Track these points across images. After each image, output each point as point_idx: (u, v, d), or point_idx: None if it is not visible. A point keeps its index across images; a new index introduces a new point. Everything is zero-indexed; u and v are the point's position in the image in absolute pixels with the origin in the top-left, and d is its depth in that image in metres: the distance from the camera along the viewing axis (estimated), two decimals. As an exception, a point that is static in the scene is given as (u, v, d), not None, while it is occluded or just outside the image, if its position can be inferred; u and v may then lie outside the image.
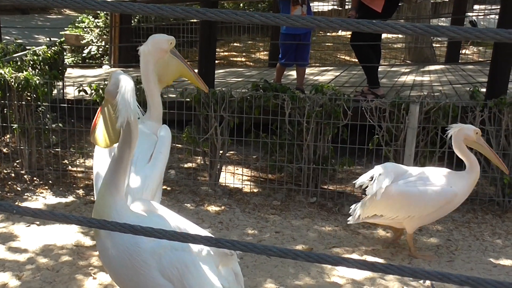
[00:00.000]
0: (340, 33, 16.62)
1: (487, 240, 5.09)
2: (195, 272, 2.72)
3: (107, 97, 2.98)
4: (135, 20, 11.39)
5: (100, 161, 4.04)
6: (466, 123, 5.59)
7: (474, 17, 15.93)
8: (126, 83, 2.85)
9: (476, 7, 19.46)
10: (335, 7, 19.91)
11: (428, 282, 4.30)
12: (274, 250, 1.61)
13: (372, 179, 4.67)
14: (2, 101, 5.88)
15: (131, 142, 2.90)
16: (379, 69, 7.33)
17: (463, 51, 12.37)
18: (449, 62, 10.63)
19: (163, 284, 2.73)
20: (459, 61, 10.90)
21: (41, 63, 6.83)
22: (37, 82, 5.80)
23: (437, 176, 4.69)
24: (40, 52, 6.99)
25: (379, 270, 1.55)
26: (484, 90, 6.26)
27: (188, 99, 5.94)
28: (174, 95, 6.48)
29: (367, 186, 4.73)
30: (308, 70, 8.84)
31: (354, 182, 4.86)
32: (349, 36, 7.87)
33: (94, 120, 3.11)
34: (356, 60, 8.13)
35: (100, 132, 3.06)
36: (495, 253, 4.85)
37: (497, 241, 5.07)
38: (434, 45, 12.47)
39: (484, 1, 19.41)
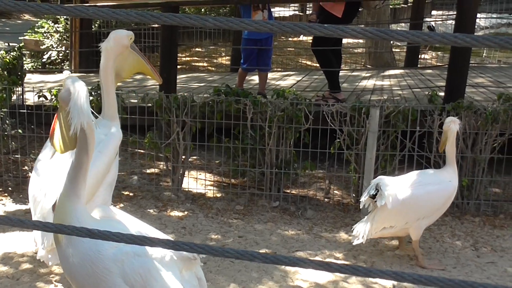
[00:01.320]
0: (302, 38, 16.74)
1: (446, 241, 5.16)
2: (158, 277, 2.70)
3: (61, 103, 2.92)
4: (96, 25, 11.27)
5: (41, 171, 4.00)
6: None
7: (432, 23, 16.22)
8: (78, 89, 2.83)
9: (434, 12, 19.82)
10: (297, 12, 20.04)
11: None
12: (231, 252, 1.62)
13: (373, 197, 4.65)
14: (-41, 107, 5.76)
15: (88, 149, 2.86)
16: (340, 74, 7.39)
17: (422, 56, 12.55)
18: (408, 66, 10.79)
19: None
20: (418, 65, 11.06)
21: (0, 69, 6.70)
22: (-5, 87, 5.71)
23: (432, 176, 4.82)
24: (-2, 58, 6.86)
25: (335, 270, 1.56)
26: (442, 94, 6.36)
27: (150, 104, 5.90)
28: (135, 100, 6.44)
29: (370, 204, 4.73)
30: (270, 75, 8.86)
31: (360, 200, 4.82)
32: (311, 41, 7.92)
33: (52, 126, 3.06)
34: (318, 65, 8.18)
35: (57, 138, 3.01)
36: (455, 254, 4.93)
37: (457, 242, 5.15)
38: (393, 50, 12.64)
39: (442, 7, 19.79)
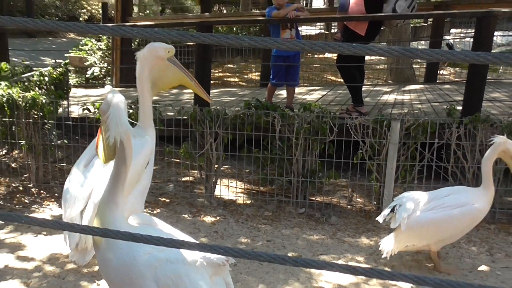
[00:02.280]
0: (327, 55, 16.75)
1: (463, 247, 5.12)
2: (188, 282, 2.73)
3: (102, 116, 2.94)
4: (135, 43, 11.45)
5: (74, 179, 4.05)
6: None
7: (450, 40, 16.10)
8: (116, 101, 2.86)
9: (452, 30, 19.64)
10: (322, 30, 20.06)
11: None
12: (263, 256, 1.65)
13: (393, 211, 4.61)
14: (11, 119, 5.90)
15: (126, 159, 2.90)
16: (363, 89, 7.39)
17: (441, 72, 12.48)
18: (427, 82, 10.73)
19: None
20: (437, 81, 11.00)
21: (47, 83, 6.87)
22: (43, 101, 5.84)
23: (457, 196, 4.59)
24: (46, 73, 7.02)
25: (359, 273, 1.59)
26: (460, 108, 6.33)
27: (185, 117, 5.98)
28: (172, 113, 6.53)
29: (390, 218, 4.64)
30: (297, 90, 8.90)
31: (376, 218, 4.77)
32: (335, 58, 7.94)
33: (97, 138, 3.09)
34: (342, 80, 8.19)
35: (100, 149, 3.05)
36: (470, 259, 4.89)
37: (472, 248, 5.11)
38: (413, 66, 12.57)
39: (460, 25, 19.59)
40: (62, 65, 7.62)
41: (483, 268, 4.76)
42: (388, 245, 4.70)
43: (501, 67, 13.35)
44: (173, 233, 2.99)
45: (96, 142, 3.14)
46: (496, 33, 14.90)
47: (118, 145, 2.86)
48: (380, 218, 4.71)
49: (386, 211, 4.67)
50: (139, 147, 3.99)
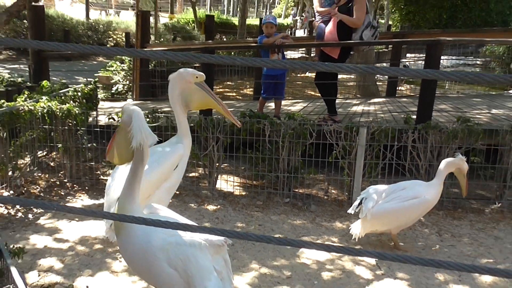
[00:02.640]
0: (307, 74, 16.75)
1: (417, 229, 5.09)
2: (194, 262, 2.70)
3: (123, 125, 2.90)
4: (152, 65, 11.37)
5: (116, 176, 4.01)
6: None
7: (406, 63, 16.12)
8: (138, 113, 2.84)
9: (408, 55, 19.67)
10: (303, 54, 20.05)
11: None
12: (253, 236, 1.63)
13: (361, 203, 4.59)
14: (50, 127, 5.85)
15: (143, 160, 2.87)
16: (336, 101, 7.36)
17: (399, 88, 12.48)
18: (388, 96, 10.72)
19: (171, 272, 2.72)
20: (396, 95, 10.99)
21: (80, 98, 6.81)
22: (76, 112, 5.79)
23: (412, 189, 4.56)
24: (79, 89, 6.96)
25: (332, 250, 1.56)
26: (414, 117, 6.31)
27: (192, 124, 5.92)
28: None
29: (359, 209, 4.62)
30: (283, 102, 8.87)
31: (348, 211, 4.73)
32: (314, 76, 7.90)
33: (109, 144, 3.03)
34: (319, 94, 8.16)
35: (116, 153, 2.99)
36: (423, 239, 4.86)
37: (425, 230, 5.08)
38: (377, 83, 12.56)
39: (414, 51, 19.65)
40: (92, 82, 7.56)
41: (433, 246, 4.74)
42: (356, 229, 4.67)
43: (447, 84, 13.37)
44: (178, 220, 2.95)
45: (108, 147, 3.06)
46: (442, 57, 14.95)
47: (141, 149, 2.81)
48: (351, 210, 4.68)
49: (356, 203, 4.65)
50: (170, 153, 3.96)
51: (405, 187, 4.60)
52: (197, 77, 3.99)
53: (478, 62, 18.17)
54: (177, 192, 5.84)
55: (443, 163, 4.61)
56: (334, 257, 4.39)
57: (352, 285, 3.94)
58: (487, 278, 4.09)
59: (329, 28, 6.72)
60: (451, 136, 5.48)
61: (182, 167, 4.14)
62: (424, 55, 6.79)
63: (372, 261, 4.34)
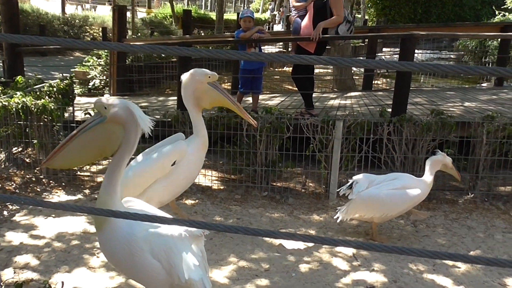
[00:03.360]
0: (285, 69, 16.77)
1: (393, 220, 5.13)
2: (177, 252, 2.69)
3: (114, 119, 2.79)
4: (129, 59, 11.23)
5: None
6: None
7: (382, 57, 16.25)
8: (135, 107, 2.84)
9: (384, 49, 19.84)
10: (281, 49, 20.05)
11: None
12: (231, 228, 1.62)
13: (351, 187, 4.60)
14: (25, 122, 5.73)
15: (131, 152, 2.86)
16: (313, 95, 7.39)
17: (375, 82, 12.58)
18: (365, 89, 10.80)
19: (154, 263, 2.71)
20: (372, 89, 11.07)
21: (55, 93, 6.69)
22: (52, 107, 5.69)
23: (405, 180, 4.55)
24: (55, 85, 6.84)
25: (308, 240, 1.56)
26: (390, 110, 6.37)
27: (170, 119, 5.88)
28: (158, 116, 6.41)
29: (348, 194, 4.63)
30: (261, 97, 8.85)
31: (338, 190, 4.70)
32: (291, 71, 7.91)
33: (56, 150, 2.83)
34: (296, 88, 8.17)
35: (69, 155, 2.88)
36: (399, 230, 4.93)
37: (400, 221, 5.14)
38: (354, 77, 12.64)
39: (390, 45, 19.84)
40: (68, 78, 7.43)
41: (408, 237, 4.80)
42: (343, 212, 4.68)
43: (421, 78, 13.52)
44: (155, 213, 2.93)
45: (51, 155, 2.91)
46: (417, 51, 15.10)
47: (132, 141, 2.79)
48: (341, 191, 4.69)
49: (346, 186, 4.67)
50: (167, 149, 4.08)
51: (395, 178, 4.60)
52: (209, 76, 4.04)
53: (452, 56, 18.43)
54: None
55: (428, 162, 4.64)
56: (311, 248, 4.41)
57: (330, 276, 3.97)
58: (460, 267, 4.16)
59: (305, 22, 6.72)
60: (425, 128, 5.54)
61: (187, 166, 4.15)
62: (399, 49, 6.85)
63: (349, 252, 4.37)
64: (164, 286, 2.74)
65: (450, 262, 4.20)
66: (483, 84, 11.78)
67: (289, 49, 18.29)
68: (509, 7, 18.60)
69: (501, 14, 17.99)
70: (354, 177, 4.69)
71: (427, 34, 7.87)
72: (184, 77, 4.07)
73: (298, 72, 6.98)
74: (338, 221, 4.75)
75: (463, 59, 16.88)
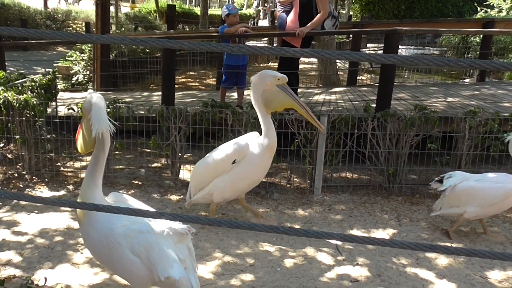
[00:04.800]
0: (270, 64, 16.76)
1: (377, 215, 5.19)
2: (157, 249, 2.68)
3: (84, 113, 2.93)
4: (113, 54, 11.12)
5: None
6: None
7: (367, 52, 16.28)
8: (98, 102, 2.83)
9: (369, 45, 19.93)
10: (266, 44, 20.04)
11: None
12: (215, 221, 1.62)
13: (441, 181, 4.57)
14: (7, 118, 5.65)
15: (104, 149, 2.89)
16: (298, 91, 7.39)
17: (360, 77, 12.63)
18: (349, 85, 10.83)
19: (133, 259, 2.70)
20: (357, 84, 11.12)
21: (38, 88, 6.58)
22: (34, 102, 5.60)
23: (498, 177, 4.44)
24: (37, 79, 6.73)
25: (293, 233, 1.56)
26: (374, 105, 6.41)
27: (154, 114, 5.84)
28: (143, 112, 6.38)
29: (442, 188, 4.58)
30: (246, 91, 8.84)
31: (430, 184, 4.73)
32: (277, 66, 7.91)
33: (76, 134, 3.05)
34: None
35: (79, 141, 2.99)
36: (383, 224, 4.97)
37: (385, 216, 5.19)
38: (339, 72, 12.66)
39: (374, 41, 19.91)
40: (50, 73, 7.33)
41: (392, 230, 4.84)
42: (436, 206, 4.71)
43: (405, 73, 13.61)
44: (141, 208, 2.93)
45: (76, 136, 3.07)
46: (401, 47, 15.18)
47: (100, 138, 2.83)
48: (432, 185, 4.69)
49: (436, 179, 4.67)
50: (229, 147, 4.28)
51: (497, 175, 4.51)
52: (278, 79, 4.11)
53: (435, 52, 18.58)
54: (140, 183, 5.77)
55: None
56: (296, 244, 4.42)
57: (314, 271, 3.99)
58: (443, 261, 4.21)
59: (291, 17, 6.71)
60: (409, 124, 5.58)
61: (247, 166, 4.29)
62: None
63: (334, 247, 4.39)
64: (147, 283, 2.73)
65: (433, 256, 4.25)
66: (465, 80, 11.91)
67: (275, 45, 18.27)
68: (491, 4, 18.81)
69: (483, 11, 18.19)
70: (448, 174, 4.65)
71: (410, 30, 7.93)
72: (254, 78, 4.15)
73: (284, 67, 6.97)
74: (432, 215, 4.80)
75: (446, 55, 17.03)
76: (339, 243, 4.43)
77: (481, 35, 10.87)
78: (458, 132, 5.73)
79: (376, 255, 4.27)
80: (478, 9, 18.56)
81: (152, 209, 2.97)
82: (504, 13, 17.34)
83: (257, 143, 4.29)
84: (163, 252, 2.68)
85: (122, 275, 2.85)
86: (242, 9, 39.49)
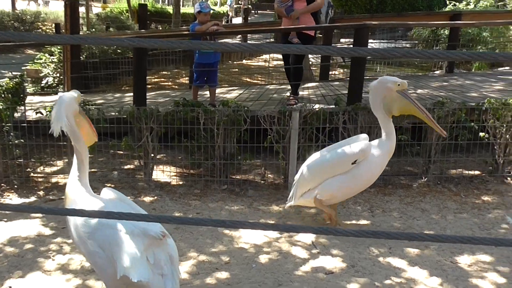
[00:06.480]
0: (244, 62, 16.73)
1: (351, 207, 5.24)
2: (122, 246, 2.64)
3: None
4: (83, 56, 10.96)
5: None
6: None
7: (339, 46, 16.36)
8: (59, 101, 3.01)
9: (342, 40, 20.06)
10: (240, 41, 20.01)
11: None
12: (187, 220, 1.60)
13: None
14: (-28, 124, 5.51)
15: (78, 141, 3.05)
16: (271, 87, 7.41)
17: (332, 72, 12.69)
18: (322, 80, 10.89)
19: (98, 251, 2.73)
20: (329, 79, 11.17)
21: (4, 92, 6.43)
22: (1, 107, 5.48)
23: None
24: (4, 84, 6.58)
25: (268, 228, 1.57)
26: (346, 99, 6.46)
27: (125, 116, 5.78)
28: (114, 113, 6.30)
29: None
30: (219, 90, 8.83)
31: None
32: (250, 64, 7.91)
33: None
34: (256, 81, 8.18)
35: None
36: (356, 216, 5.02)
37: (358, 207, 5.23)
38: (312, 68, 12.70)
39: (348, 36, 20.06)
40: (18, 76, 7.17)
41: (365, 221, 4.89)
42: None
43: (378, 67, 13.74)
44: (135, 208, 3.00)
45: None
46: (372, 41, 15.31)
47: (56, 135, 3.02)
48: None
49: None
50: (350, 147, 4.25)
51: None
52: (399, 84, 4.11)
53: (407, 46, 18.81)
54: (113, 186, 5.70)
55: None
56: (271, 239, 4.43)
57: (289, 265, 4.00)
58: (414, 249, 4.27)
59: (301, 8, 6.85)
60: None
61: (368, 167, 4.30)
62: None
63: (308, 241, 4.41)
64: (118, 284, 2.69)
65: (404, 245, 4.31)
66: (435, 72, 12.08)
67: (249, 42, 18.24)
68: (459, -3, 19.10)
69: (451, 4, 18.45)
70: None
71: (380, 23, 8.02)
72: (373, 85, 4.16)
73: (297, 61, 7.18)
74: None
75: (417, 48, 17.25)
76: (313, 236, 4.46)
77: (449, 28, 11.04)
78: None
79: (350, 246, 4.31)
80: (447, 2, 18.81)
81: (143, 211, 3.02)
82: (472, 6, 17.60)
83: (377, 145, 4.34)
84: (127, 251, 2.63)
85: (95, 268, 2.92)
86: (216, 6, 39.32)
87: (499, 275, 3.85)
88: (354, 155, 4.29)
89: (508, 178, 5.83)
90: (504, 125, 5.71)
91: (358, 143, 4.35)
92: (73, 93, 3.11)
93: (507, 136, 5.74)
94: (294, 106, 5.90)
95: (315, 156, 4.57)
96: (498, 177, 5.83)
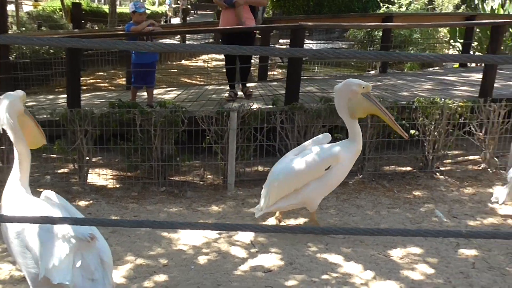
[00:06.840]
0: (182, 62, 16.60)
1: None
2: (48, 246, 2.58)
3: None
4: (13, 56, 10.46)
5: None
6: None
7: (277, 47, 16.60)
8: (2, 100, 2.99)
9: (281, 41, 20.33)
10: (178, 42, 19.80)
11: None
12: (123, 222, 1.58)
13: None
14: None
15: (13, 140, 3.02)
16: (209, 88, 7.40)
17: (271, 72, 12.83)
18: (260, 80, 10.97)
19: (25, 251, 2.66)
20: (267, 79, 11.28)
21: None
22: None
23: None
24: None
25: (207, 228, 1.57)
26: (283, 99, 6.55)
27: (58, 118, 5.58)
28: (45, 116, 6.05)
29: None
30: (157, 90, 8.72)
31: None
32: (189, 64, 7.86)
33: None
34: (194, 82, 8.13)
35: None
36: (295, 214, 5.09)
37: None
38: (251, 68, 12.80)
39: (286, 37, 20.35)
40: None
41: (303, 219, 4.98)
42: (501, 194, 4.82)
43: (316, 67, 14.04)
44: (74, 213, 2.98)
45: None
46: (310, 41, 15.63)
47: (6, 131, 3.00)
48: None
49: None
50: (322, 154, 4.29)
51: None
52: (363, 87, 4.18)
53: (344, 46, 19.34)
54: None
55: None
56: (210, 240, 4.43)
57: (228, 265, 4.02)
58: (350, 244, 4.40)
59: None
60: (315, 115, 5.77)
61: (340, 170, 4.37)
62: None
63: (247, 240, 4.44)
64: (42, 284, 2.60)
65: (341, 241, 4.43)
66: (370, 72, 12.51)
67: (187, 42, 18.10)
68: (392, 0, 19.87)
69: (385, 6, 19.18)
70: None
71: (315, 24, 8.21)
72: (338, 87, 4.20)
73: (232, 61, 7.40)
74: (500, 203, 4.87)
75: (353, 49, 17.80)
76: (252, 235, 4.49)
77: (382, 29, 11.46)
78: (362, 121, 6.00)
79: (288, 244, 4.38)
80: (381, 4, 19.52)
81: (80, 214, 2.99)
82: (404, 9, 18.37)
83: (348, 148, 4.36)
84: (51, 252, 2.54)
85: (21, 268, 2.81)
86: (154, 6, 38.69)
87: (428, 266, 4.05)
88: (328, 162, 4.34)
89: (437, 173, 6.12)
90: (433, 123, 6.00)
91: (329, 149, 4.36)
92: (19, 92, 3.11)
93: (435, 133, 6.03)
94: (233, 106, 5.91)
95: (285, 163, 4.46)
96: (428, 173, 6.12)
